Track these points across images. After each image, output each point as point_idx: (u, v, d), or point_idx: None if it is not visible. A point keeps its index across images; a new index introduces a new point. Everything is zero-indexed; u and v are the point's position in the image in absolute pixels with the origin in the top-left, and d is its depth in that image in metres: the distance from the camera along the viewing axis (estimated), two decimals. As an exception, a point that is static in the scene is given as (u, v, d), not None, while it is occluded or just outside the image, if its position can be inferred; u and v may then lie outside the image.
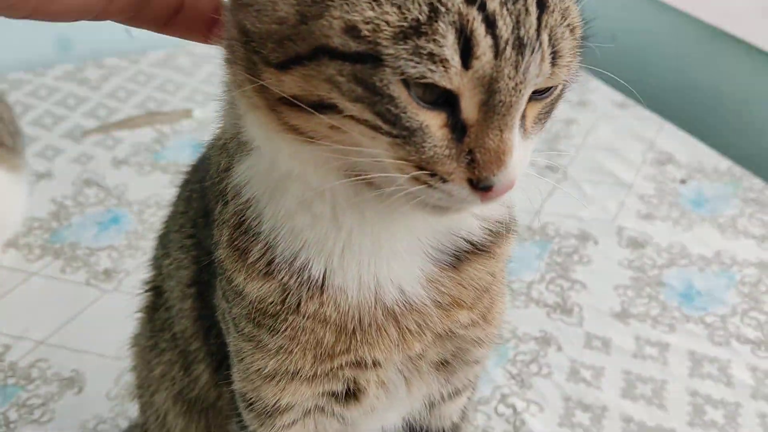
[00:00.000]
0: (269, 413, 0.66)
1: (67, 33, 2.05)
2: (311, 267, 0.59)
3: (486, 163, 0.48)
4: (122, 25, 0.57)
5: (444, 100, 0.48)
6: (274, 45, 0.48)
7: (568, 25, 0.50)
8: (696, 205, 1.56)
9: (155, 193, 1.58)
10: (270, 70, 0.49)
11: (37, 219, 1.49)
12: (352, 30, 0.45)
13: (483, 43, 0.45)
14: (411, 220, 0.59)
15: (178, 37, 0.60)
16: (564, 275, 1.39)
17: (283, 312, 0.61)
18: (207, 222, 0.68)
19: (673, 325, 1.28)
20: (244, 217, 0.60)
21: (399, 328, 0.62)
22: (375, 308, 0.61)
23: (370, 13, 0.45)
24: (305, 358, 0.62)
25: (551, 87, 0.51)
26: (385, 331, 0.62)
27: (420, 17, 0.45)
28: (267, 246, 0.60)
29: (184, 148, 1.73)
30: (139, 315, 0.92)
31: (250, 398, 0.66)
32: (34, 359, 1.21)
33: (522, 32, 0.47)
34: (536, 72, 0.48)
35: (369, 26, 0.45)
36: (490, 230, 0.63)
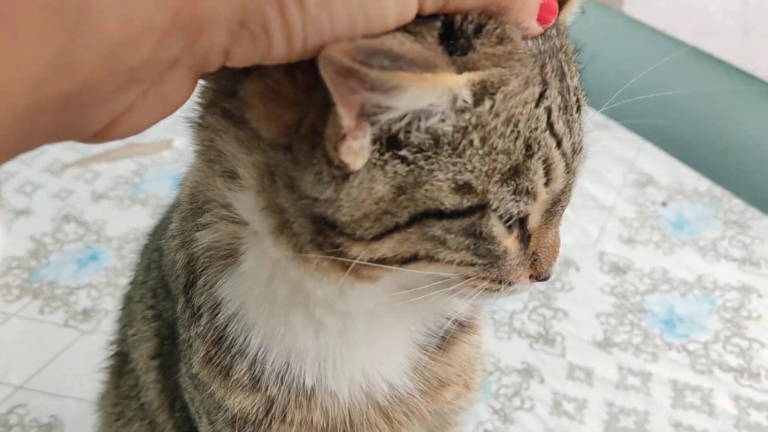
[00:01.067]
0: None
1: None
2: (303, 376, 0.58)
3: (546, 259, 0.53)
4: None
5: (518, 221, 0.50)
6: (371, 223, 0.46)
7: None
8: (677, 228, 1.57)
9: (134, 228, 1.57)
10: (361, 244, 0.47)
11: (16, 258, 1.48)
12: (464, 187, 0.46)
13: (559, 167, 0.49)
14: (402, 311, 0.58)
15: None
16: (546, 303, 1.39)
17: (267, 420, 0.59)
18: (166, 293, 0.67)
19: (656, 353, 1.28)
20: (224, 334, 0.58)
21: (389, 422, 0.62)
22: (368, 407, 0.60)
23: (483, 167, 0.46)
24: None
25: None
26: (377, 427, 0.62)
27: (519, 156, 0.47)
28: (255, 361, 0.58)
29: (164, 180, 1.72)
30: (105, 377, 0.90)
31: None
32: (13, 405, 1.20)
33: (575, 140, 0.51)
34: (581, 169, 0.53)
35: (481, 179, 0.46)
36: (472, 305, 0.63)
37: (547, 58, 0.48)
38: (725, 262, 1.47)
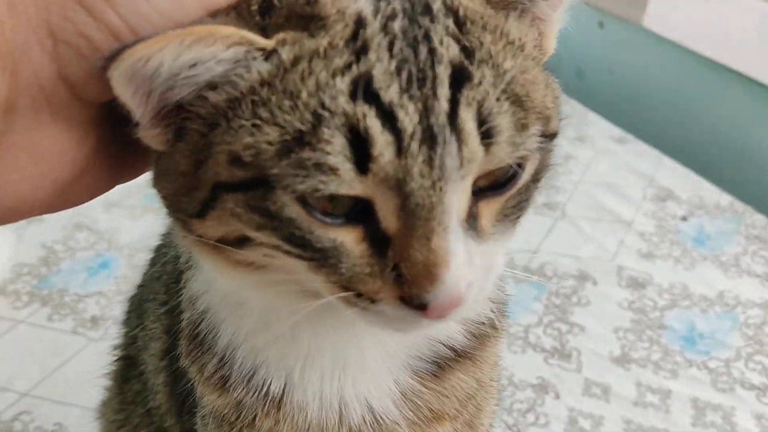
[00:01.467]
0: None
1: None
2: (270, 383, 0.56)
3: (415, 279, 0.42)
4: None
5: (360, 211, 0.43)
6: (186, 198, 0.46)
7: (511, 93, 0.43)
8: (698, 243, 1.53)
9: (146, 236, 1.54)
10: (194, 221, 0.46)
11: (26, 265, 1.47)
12: (235, 160, 0.42)
13: (380, 141, 0.40)
14: (380, 336, 0.55)
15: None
16: (562, 318, 1.35)
17: (238, 424, 0.58)
18: (179, 288, 0.66)
19: (676, 370, 1.24)
20: (198, 330, 0.58)
21: None
22: (339, 428, 0.57)
23: (249, 139, 0.42)
24: None
25: (512, 177, 0.45)
26: None
27: (302, 127, 0.40)
28: (222, 362, 0.57)
29: (178, 190, 1.71)
30: (109, 383, 0.88)
31: None
32: (17, 412, 1.18)
33: (432, 120, 0.41)
34: (456, 163, 0.41)
35: (250, 151, 0.42)
36: (473, 333, 0.59)
37: (386, 22, 0.42)
38: (747, 278, 1.43)
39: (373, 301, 0.44)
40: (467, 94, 0.41)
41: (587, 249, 1.52)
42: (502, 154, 0.43)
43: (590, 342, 1.30)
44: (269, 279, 0.47)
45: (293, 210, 0.42)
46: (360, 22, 0.42)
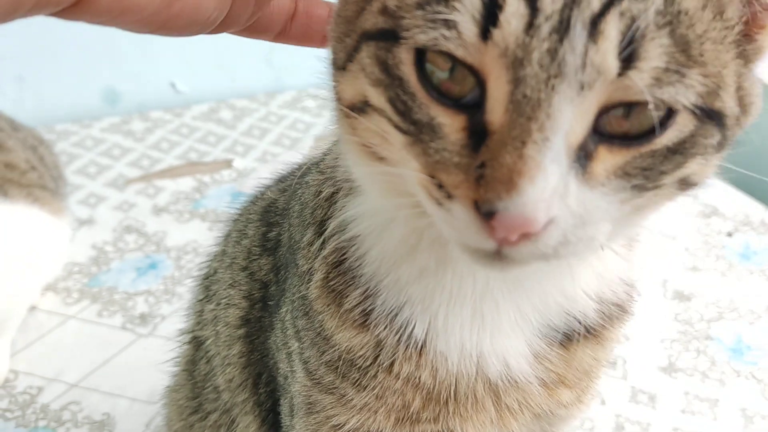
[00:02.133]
0: None
1: (115, 86, 2.11)
2: (414, 325, 0.54)
3: (493, 181, 0.38)
4: (239, 35, 0.55)
5: (472, 103, 0.41)
6: (340, 46, 0.47)
7: (677, 31, 0.39)
8: (743, 258, 1.51)
9: (193, 240, 1.59)
10: (338, 75, 0.47)
11: (77, 264, 1.50)
12: (383, 9, 0.43)
13: (511, 8, 0.38)
14: (515, 294, 0.54)
15: (294, 44, 0.58)
16: (607, 327, 1.34)
17: (374, 368, 0.56)
18: (263, 250, 0.66)
19: (723, 380, 1.22)
20: (345, 256, 0.56)
21: (498, 405, 0.58)
22: (476, 381, 0.56)
23: None
24: (388, 420, 0.58)
25: (647, 134, 0.40)
26: (483, 406, 0.57)
27: None
28: (366, 293, 0.55)
29: (223, 197, 1.74)
30: (178, 369, 0.89)
31: None
32: (66, 402, 1.21)
33: (575, 13, 0.37)
34: (578, 62, 0.37)
35: (395, 1, 0.42)
36: (604, 313, 0.58)
37: None
38: (795, 293, 1.41)
39: (449, 196, 0.41)
40: (626, 5, 0.38)
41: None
42: (641, 84, 0.38)
43: (636, 351, 1.29)
44: (390, 178, 0.46)
45: (407, 69, 0.41)
46: None
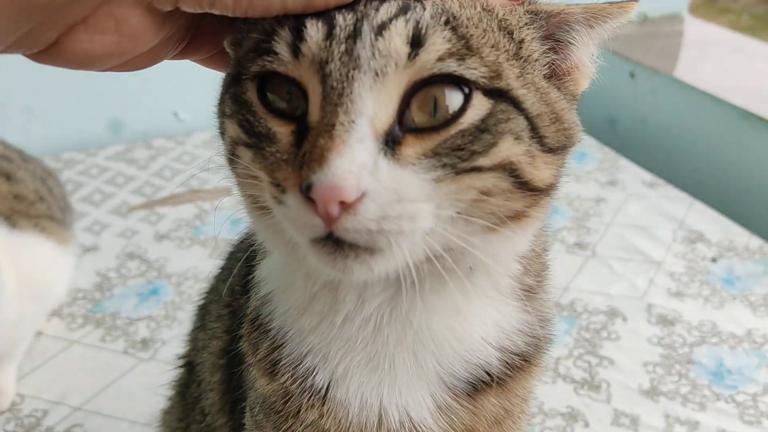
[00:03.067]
0: None
1: (119, 116, 2.18)
2: (315, 374, 0.59)
3: (310, 161, 0.45)
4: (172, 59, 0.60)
5: (303, 113, 0.49)
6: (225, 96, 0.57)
7: (454, 27, 0.49)
8: (727, 284, 1.56)
9: (193, 266, 1.64)
10: (226, 123, 0.56)
11: (82, 290, 1.56)
12: (237, 59, 0.55)
13: (312, 29, 0.48)
14: (409, 340, 0.58)
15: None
16: (592, 351, 1.39)
17: (284, 414, 0.61)
18: (243, 290, 0.71)
19: (704, 403, 1.26)
20: (259, 313, 0.63)
21: None
22: (378, 429, 0.60)
23: (246, 43, 0.54)
24: None
25: (449, 122, 0.48)
26: None
27: (269, 28, 0.50)
28: (274, 345, 0.61)
29: (224, 224, 1.80)
30: (171, 392, 0.94)
31: None
32: (70, 425, 1.25)
33: (365, 24, 0.48)
34: (368, 53, 0.46)
35: (240, 50, 0.55)
36: (507, 362, 0.62)
37: None
38: (776, 318, 1.45)
39: (283, 191, 0.47)
40: (408, 14, 0.48)
41: (617, 287, 1.56)
42: (429, 64, 0.47)
43: (619, 375, 1.34)
44: (272, 224, 0.53)
45: (251, 94, 0.51)
46: None
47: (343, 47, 0.47)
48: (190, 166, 2.06)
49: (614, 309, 1.49)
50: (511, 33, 0.53)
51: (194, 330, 0.90)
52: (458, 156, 0.48)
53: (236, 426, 0.77)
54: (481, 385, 0.61)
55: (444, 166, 0.47)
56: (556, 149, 0.53)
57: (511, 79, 0.50)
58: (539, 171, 0.52)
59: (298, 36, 0.48)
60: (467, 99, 0.48)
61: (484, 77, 0.48)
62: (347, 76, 0.46)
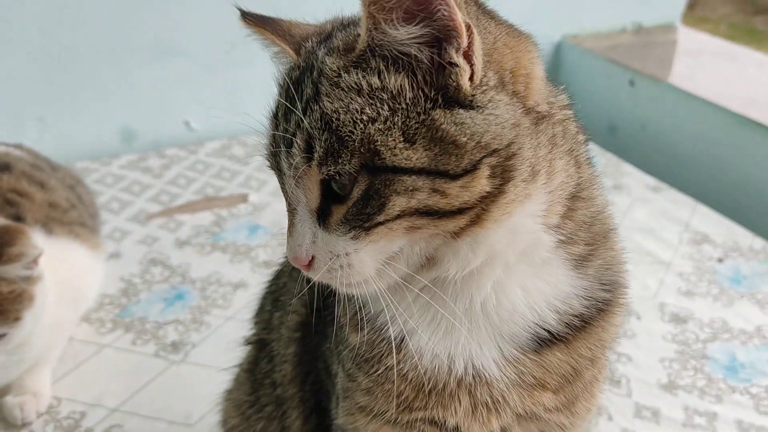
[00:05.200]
0: None
1: (131, 125, 2.21)
2: (389, 328, 0.67)
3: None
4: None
5: None
6: None
7: (330, 130, 0.58)
8: (734, 282, 1.62)
9: (216, 272, 1.68)
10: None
11: (108, 295, 1.59)
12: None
13: (268, 146, 0.66)
14: (464, 309, 0.66)
15: None
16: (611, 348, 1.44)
17: (372, 360, 0.69)
18: None
19: (720, 396, 1.32)
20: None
21: (472, 399, 0.68)
22: (449, 376, 0.67)
23: None
24: (389, 404, 0.69)
25: (346, 194, 0.60)
26: (459, 399, 0.68)
27: None
28: (359, 307, 0.69)
29: (242, 230, 1.84)
30: (239, 370, 0.98)
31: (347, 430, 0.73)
32: (109, 425, 1.28)
33: (281, 146, 0.62)
34: (286, 166, 0.62)
35: None
36: (566, 323, 0.68)
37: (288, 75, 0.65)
38: (784, 314, 1.52)
39: None
40: (302, 127, 0.60)
41: (630, 287, 1.61)
42: (321, 169, 0.59)
43: (638, 370, 1.39)
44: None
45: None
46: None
47: (274, 162, 0.65)
48: (204, 174, 2.09)
49: (628, 308, 1.55)
50: (374, 92, 0.59)
51: (262, 313, 0.97)
52: (359, 218, 0.60)
53: (305, 397, 0.85)
54: (546, 342, 0.67)
55: (354, 227, 0.60)
56: (472, 167, 0.58)
57: (385, 152, 0.58)
58: (456, 197, 0.58)
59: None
60: (353, 179, 0.59)
61: (358, 164, 0.58)
62: (282, 180, 0.64)
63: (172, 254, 1.74)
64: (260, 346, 0.95)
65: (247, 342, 0.98)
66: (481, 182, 0.58)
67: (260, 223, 1.87)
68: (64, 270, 1.27)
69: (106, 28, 2.08)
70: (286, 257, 0.92)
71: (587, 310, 0.69)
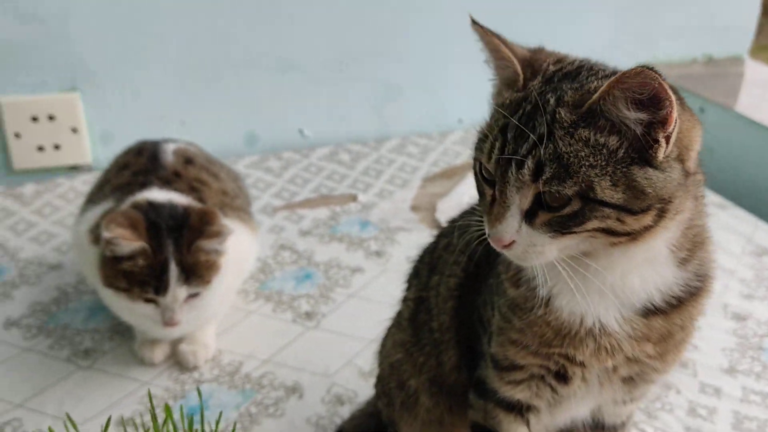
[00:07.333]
0: (508, 369, 0.99)
1: (254, 130, 2.54)
2: (541, 288, 0.92)
3: (491, 221, 0.83)
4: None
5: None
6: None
7: (560, 163, 0.76)
8: (790, 289, 1.85)
9: (335, 257, 1.97)
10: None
11: (249, 272, 1.89)
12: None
13: (487, 157, 0.84)
14: (599, 282, 0.87)
15: None
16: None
17: (525, 309, 0.94)
18: (480, 241, 1.03)
19: (774, 380, 1.55)
20: None
21: (596, 345, 0.92)
22: (580, 327, 0.92)
23: None
24: (534, 341, 0.95)
25: (554, 206, 0.78)
26: (586, 343, 0.92)
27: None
28: (517, 268, 0.95)
29: (354, 225, 2.13)
30: (398, 321, 1.25)
31: (498, 358, 0.99)
32: (263, 372, 1.57)
33: (511, 160, 0.79)
34: (514, 178, 0.79)
35: None
36: (665, 301, 0.90)
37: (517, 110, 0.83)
38: (834, 318, 1.73)
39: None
40: (534, 153, 0.78)
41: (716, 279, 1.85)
42: (545, 187, 0.77)
43: (702, 356, 1.63)
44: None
45: (476, 169, 0.89)
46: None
47: (500, 171, 0.81)
48: (317, 176, 2.40)
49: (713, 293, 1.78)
50: (598, 146, 0.77)
51: (419, 277, 1.22)
52: (560, 225, 0.79)
53: (460, 340, 1.11)
54: (651, 312, 0.91)
55: (555, 230, 0.79)
56: (646, 209, 0.79)
57: (598, 189, 0.77)
58: (629, 226, 0.79)
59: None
60: (567, 199, 0.78)
61: (575, 192, 0.77)
62: (504, 186, 0.81)
63: (297, 242, 2.04)
64: (419, 301, 1.20)
65: (407, 299, 1.25)
66: (648, 219, 0.81)
67: (370, 220, 2.16)
68: (233, 247, 1.56)
69: (237, 45, 2.43)
70: (432, 242, 1.23)
71: (683, 294, 0.92)
